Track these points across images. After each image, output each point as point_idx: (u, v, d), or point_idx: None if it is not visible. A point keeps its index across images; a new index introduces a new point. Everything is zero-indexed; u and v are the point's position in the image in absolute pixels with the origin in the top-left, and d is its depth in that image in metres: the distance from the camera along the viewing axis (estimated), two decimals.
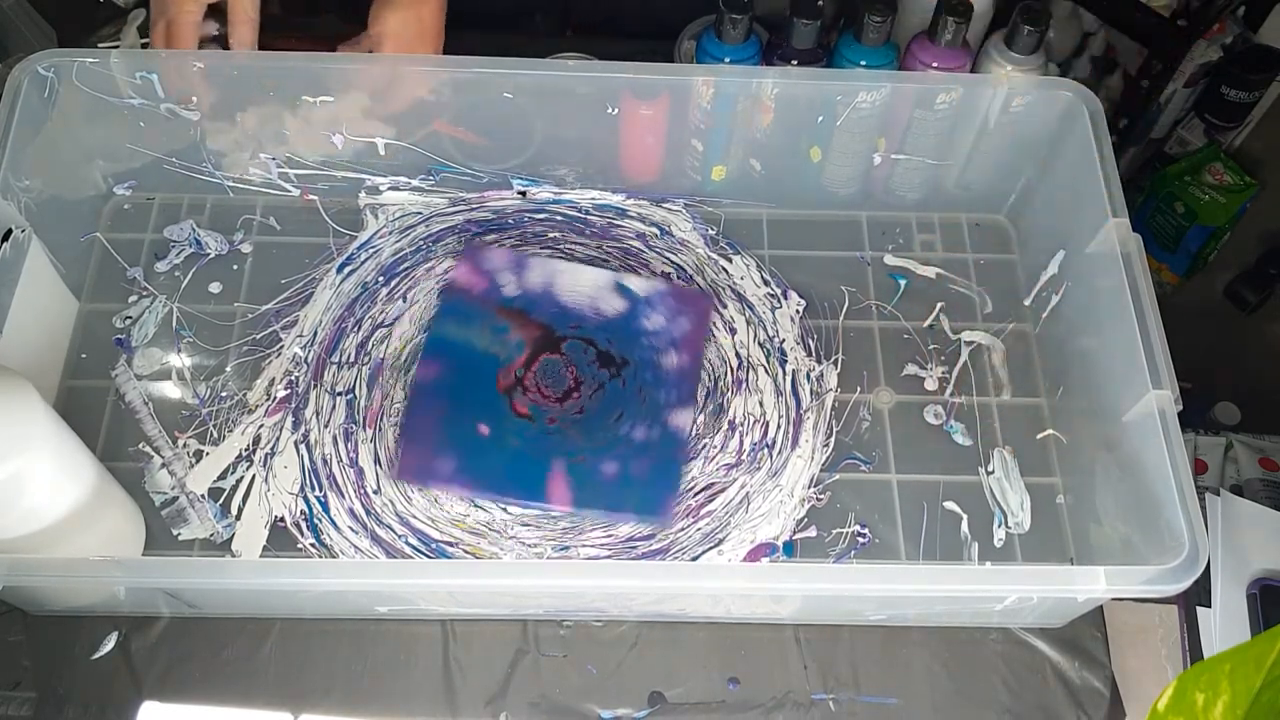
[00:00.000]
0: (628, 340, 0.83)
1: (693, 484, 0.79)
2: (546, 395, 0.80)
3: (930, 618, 0.76)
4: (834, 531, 0.78)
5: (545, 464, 0.77)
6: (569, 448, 0.78)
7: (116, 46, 0.83)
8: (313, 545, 0.76)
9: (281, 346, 0.84)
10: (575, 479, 0.77)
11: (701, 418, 0.82)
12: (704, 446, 0.81)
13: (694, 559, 0.76)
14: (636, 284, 0.85)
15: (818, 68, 0.86)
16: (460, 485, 0.77)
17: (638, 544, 0.77)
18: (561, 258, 0.88)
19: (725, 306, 0.87)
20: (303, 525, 0.76)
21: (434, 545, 0.76)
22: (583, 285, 0.85)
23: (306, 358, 0.83)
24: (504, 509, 0.77)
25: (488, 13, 1.03)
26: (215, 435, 0.80)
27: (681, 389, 0.81)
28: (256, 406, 0.81)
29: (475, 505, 0.77)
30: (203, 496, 0.77)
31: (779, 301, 0.87)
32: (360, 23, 0.84)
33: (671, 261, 0.89)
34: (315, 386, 0.82)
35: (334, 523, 0.77)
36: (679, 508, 0.78)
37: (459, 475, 0.76)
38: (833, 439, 0.82)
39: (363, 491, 0.78)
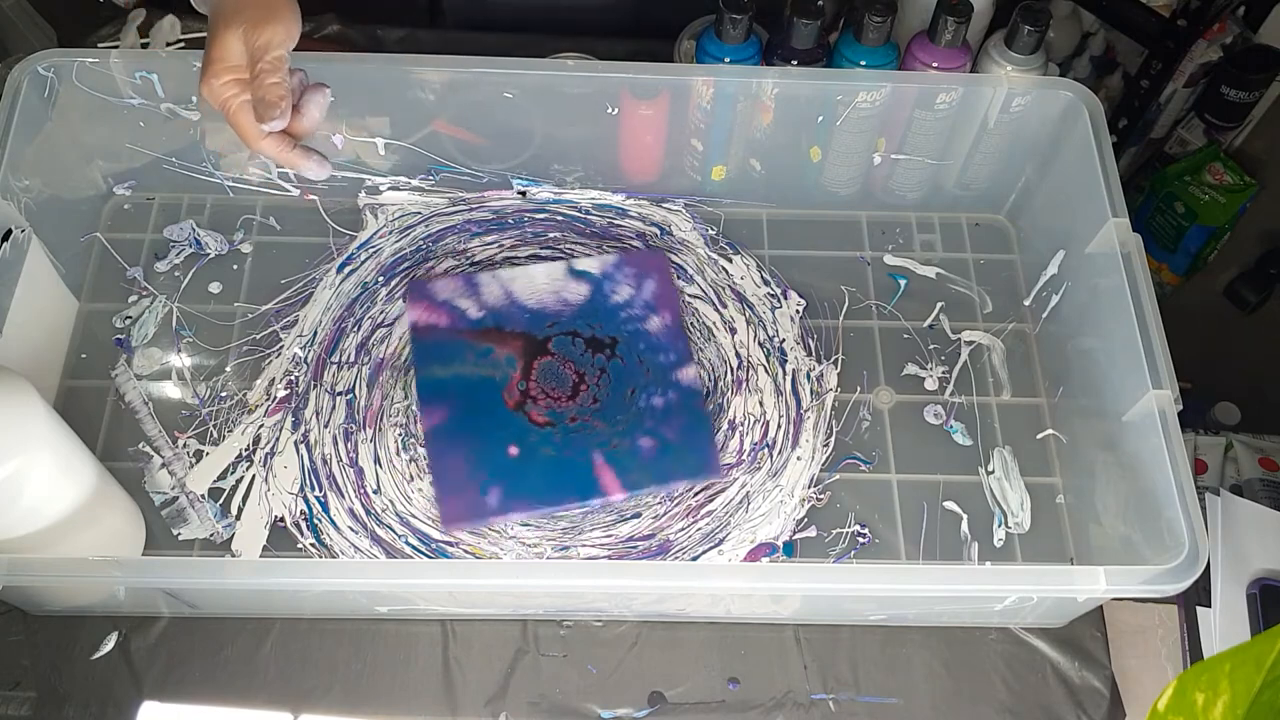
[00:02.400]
0: (607, 319, 0.83)
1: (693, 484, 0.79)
2: (556, 397, 0.80)
3: (930, 617, 0.76)
4: (834, 531, 0.78)
5: (586, 461, 0.77)
6: (599, 438, 0.78)
7: (116, 46, 0.83)
8: (313, 545, 0.76)
9: (281, 346, 0.84)
10: (618, 465, 0.77)
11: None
12: None
13: (694, 559, 0.76)
14: (590, 264, 0.86)
15: (818, 68, 0.86)
16: (513, 511, 0.76)
17: (638, 544, 0.77)
18: (509, 264, 0.87)
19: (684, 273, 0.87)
20: (303, 525, 0.76)
21: (434, 545, 0.76)
22: (540, 283, 0.85)
23: (306, 358, 0.83)
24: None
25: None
26: (215, 435, 0.80)
27: (677, 346, 0.82)
28: (256, 406, 0.81)
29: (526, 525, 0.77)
30: (203, 496, 0.77)
31: (779, 301, 0.87)
32: (362, 23, 0.83)
33: (671, 262, 0.89)
34: (315, 386, 0.82)
35: (334, 523, 0.77)
36: (722, 462, 0.79)
37: (507, 503, 0.76)
38: (833, 439, 0.82)
39: (363, 491, 0.78)
